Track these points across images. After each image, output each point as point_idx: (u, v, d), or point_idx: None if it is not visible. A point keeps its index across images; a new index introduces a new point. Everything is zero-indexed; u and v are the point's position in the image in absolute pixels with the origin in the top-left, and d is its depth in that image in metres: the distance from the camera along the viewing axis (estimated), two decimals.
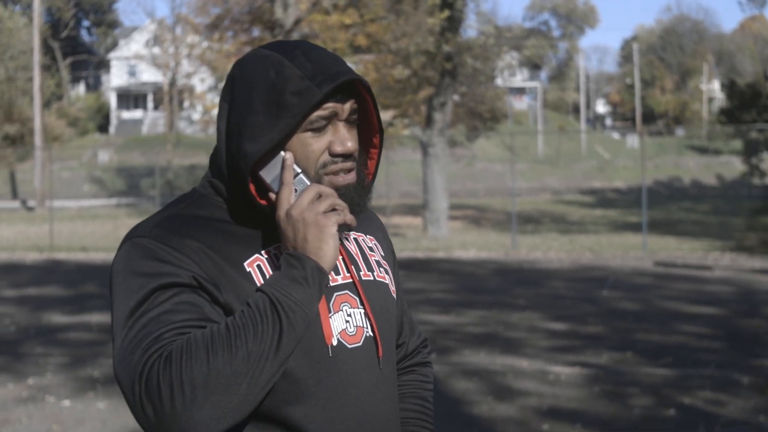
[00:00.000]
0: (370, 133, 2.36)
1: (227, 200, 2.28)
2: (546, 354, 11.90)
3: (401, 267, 20.73)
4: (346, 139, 2.20)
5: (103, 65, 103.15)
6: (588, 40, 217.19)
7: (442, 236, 31.17)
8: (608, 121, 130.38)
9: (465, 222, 39.87)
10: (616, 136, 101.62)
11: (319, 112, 2.16)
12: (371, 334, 2.30)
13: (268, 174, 2.19)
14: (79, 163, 70.83)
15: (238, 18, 40.64)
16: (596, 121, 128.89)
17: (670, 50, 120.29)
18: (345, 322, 2.25)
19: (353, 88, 2.23)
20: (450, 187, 39.66)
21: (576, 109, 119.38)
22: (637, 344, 12.41)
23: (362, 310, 2.30)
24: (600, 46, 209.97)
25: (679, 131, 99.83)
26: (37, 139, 54.67)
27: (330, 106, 2.17)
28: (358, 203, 2.26)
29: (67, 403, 9.71)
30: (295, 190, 2.16)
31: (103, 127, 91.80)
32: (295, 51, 2.20)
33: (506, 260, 25.20)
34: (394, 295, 2.49)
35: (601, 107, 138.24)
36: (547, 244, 28.89)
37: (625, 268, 22.27)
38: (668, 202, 51.10)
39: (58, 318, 15.56)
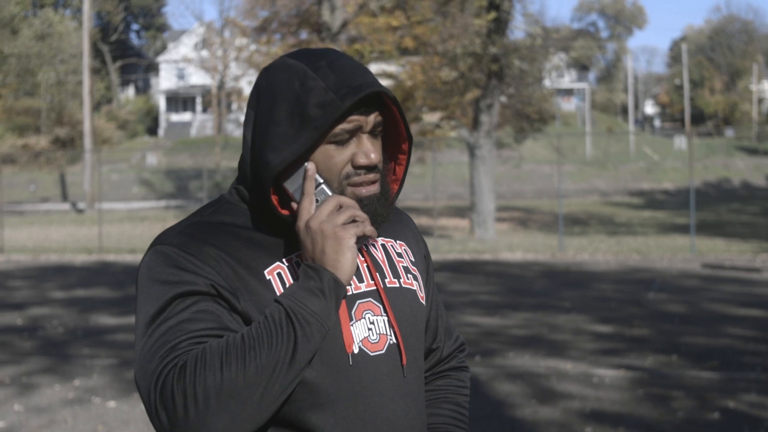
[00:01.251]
0: (398, 140, 2.36)
1: (251, 207, 2.30)
2: (590, 356, 11.85)
3: (448, 269, 20.77)
4: (369, 151, 2.20)
5: (152, 68, 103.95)
6: (636, 40, 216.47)
7: (489, 238, 31.12)
8: (657, 122, 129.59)
9: (512, 224, 39.80)
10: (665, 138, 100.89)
11: (343, 125, 2.17)
12: (395, 341, 2.29)
13: (291, 184, 2.21)
14: (129, 166, 71.32)
15: (285, 21, 40.84)
16: (645, 122, 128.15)
17: (720, 51, 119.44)
18: (367, 329, 2.25)
19: (379, 99, 2.23)
20: (497, 188, 39.60)
21: (624, 111, 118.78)
22: (682, 347, 12.34)
23: (386, 318, 2.29)
24: (648, 47, 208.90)
25: (729, 132, 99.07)
26: (87, 142, 55.07)
27: (354, 119, 2.17)
28: (381, 213, 2.26)
29: (112, 404, 9.79)
30: (317, 201, 2.17)
31: (152, 130, 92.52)
32: (320, 61, 2.20)
33: (553, 262, 25.13)
34: (423, 302, 2.47)
35: (649, 108, 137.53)
36: (595, 245, 28.78)
37: (672, 270, 22.14)
38: (717, 204, 50.79)
39: (105, 320, 15.70)
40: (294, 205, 2.21)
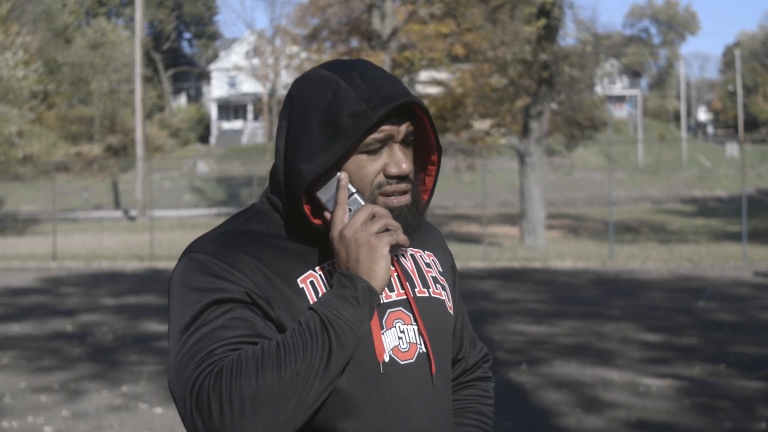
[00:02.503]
0: (428, 151, 2.37)
1: (284, 216, 2.31)
2: (637, 365, 11.78)
3: (497, 277, 20.70)
4: (401, 161, 2.21)
5: (204, 77, 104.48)
6: (689, 46, 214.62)
7: (539, 246, 31.00)
8: (710, 129, 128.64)
9: (563, 231, 39.63)
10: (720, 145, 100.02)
11: (374, 135, 2.18)
12: (424, 350, 2.30)
13: (324, 194, 2.22)
14: (180, 174, 71.72)
15: (336, 29, 40.93)
16: (698, 128, 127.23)
17: None
18: (398, 338, 2.26)
19: (410, 110, 2.25)
20: (548, 196, 39.43)
21: (677, 117, 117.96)
22: (731, 356, 12.23)
23: (416, 327, 2.30)
24: (701, 53, 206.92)
25: None
26: (139, 150, 55.47)
27: (386, 129, 2.19)
28: (412, 224, 2.27)
29: (159, 410, 9.85)
30: (350, 210, 2.18)
31: (204, 138, 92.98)
32: (352, 72, 2.22)
33: (603, 270, 25.01)
34: (451, 312, 2.48)
35: (702, 115, 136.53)
36: (646, 253, 28.59)
37: (723, 279, 21.97)
38: None
39: (154, 327, 15.79)
40: (327, 214, 2.22)
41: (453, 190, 61.06)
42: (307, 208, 2.23)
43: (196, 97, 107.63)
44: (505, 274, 24.28)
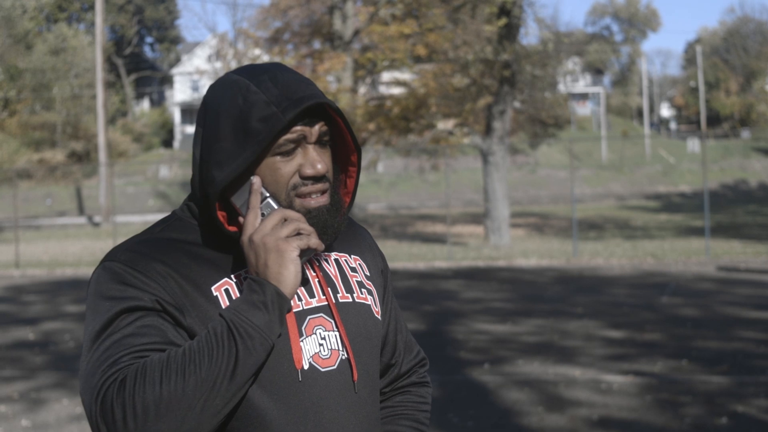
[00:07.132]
0: (346, 152, 2.35)
1: (201, 224, 2.29)
2: (600, 363, 11.80)
3: (462, 276, 20.68)
4: (315, 161, 2.18)
5: (167, 81, 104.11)
6: (651, 43, 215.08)
7: (504, 244, 31.04)
8: (673, 125, 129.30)
9: (527, 230, 39.72)
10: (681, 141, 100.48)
11: (287, 136, 2.16)
12: (346, 356, 2.27)
13: (238, 199, 2.19)
14: (144, 178, 71.50)
15: (298, 31, 40.94)
16: (661, 125, 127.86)
17: (734, 52, 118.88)
18: (318, 345, 2.23)
19: (323, 111, 2.22)
20: (513, 194, 39.48)
21: (640, 114, 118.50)
22: (693, 351, 12.27)
23: (337, 333, 2.27)
24: (663, 50, 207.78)
25: (745, 133, 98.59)
26: (102, 156, 55.18)
27: (298, 130, 2.16)
28: (332, 225, 2.24)
29: None
30: (263, 215, 2.15)
31: (168, 142, 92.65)
32: (263, 76, 2.19)
33: (567, 268, 25.06)
34: (378, 316, 2.44)
35: (665, 111, 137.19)
36: (610, 250, 28.66)
37: (686, 274, 22.06)
38: (734, 206, 50.57)
39: None
40: (241, 219, 2.19)
41: (418, 190, 61.14)
42: (222, 215, 2.21)
43: (159, 101, 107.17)
44: (470, 273, 24.30)
